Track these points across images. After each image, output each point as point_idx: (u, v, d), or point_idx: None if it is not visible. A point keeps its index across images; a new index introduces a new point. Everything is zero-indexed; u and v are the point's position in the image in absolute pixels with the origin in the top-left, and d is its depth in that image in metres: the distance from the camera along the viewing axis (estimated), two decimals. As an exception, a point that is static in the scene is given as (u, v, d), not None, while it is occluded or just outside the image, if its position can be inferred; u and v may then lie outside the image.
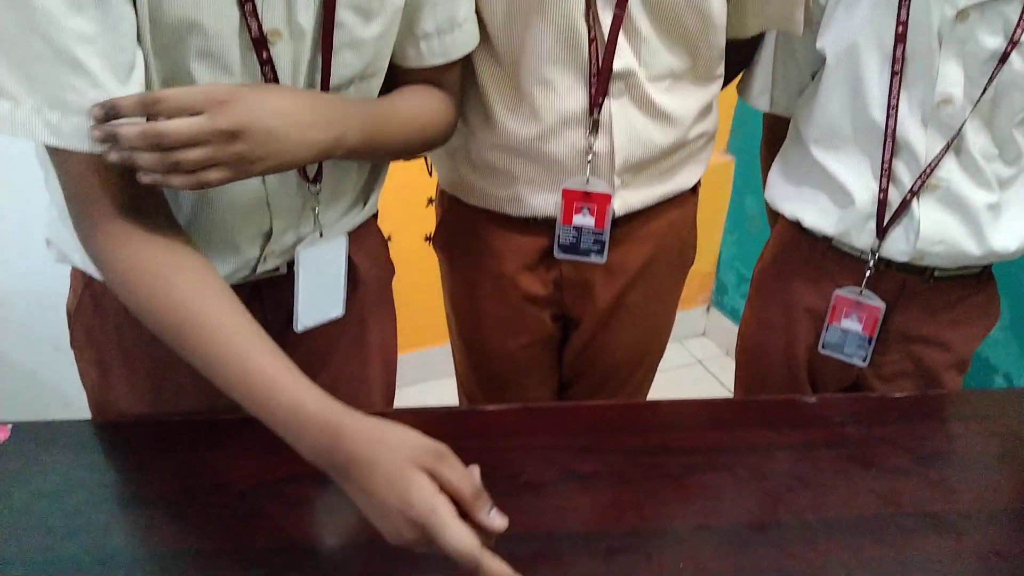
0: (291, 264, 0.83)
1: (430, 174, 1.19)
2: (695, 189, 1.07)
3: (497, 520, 0.54)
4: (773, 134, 1.11)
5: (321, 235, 0.82)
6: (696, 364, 2.46)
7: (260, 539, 0.70)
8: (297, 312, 0.83)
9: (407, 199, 1.60)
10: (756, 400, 0.94)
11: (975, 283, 1.01)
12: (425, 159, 1.22)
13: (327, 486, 0.76)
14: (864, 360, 1.02)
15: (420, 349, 2.10)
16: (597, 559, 0.69)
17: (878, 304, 0.99)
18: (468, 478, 0.54)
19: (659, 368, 1.21)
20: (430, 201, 1.15)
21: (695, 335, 2.59)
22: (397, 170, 0.93)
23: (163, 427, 0.83)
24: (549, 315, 1.07)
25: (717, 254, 2.45)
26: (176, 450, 0.80)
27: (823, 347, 1.04)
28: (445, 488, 0.53)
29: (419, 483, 0.53)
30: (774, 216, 1.12)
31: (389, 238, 0.99)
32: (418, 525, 0.52)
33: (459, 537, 0.51)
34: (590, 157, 0.91)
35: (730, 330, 1.14)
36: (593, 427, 0.86)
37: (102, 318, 0.82)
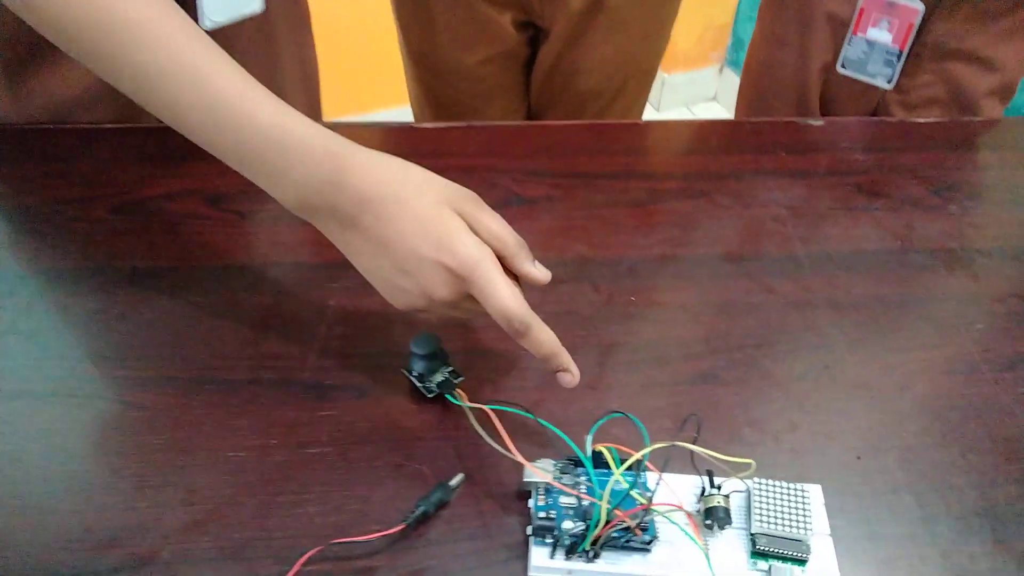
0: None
1: None
2: None
3: (542, 271, 0.47)
4: None
5: None
6: (703, 130, 2.28)
7: (134, 258, 0.60)
8: (202, 2, 0.66)
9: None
10: (750, 121, 0.78)
11: (1041, -17, 0.81)
12: None
13: (218, 203, 0.64)
14: (889, 81, 0.85)
15: (388, 108, 1.93)
16: (533, 288, 0.58)
17: (916, 6, 0.79)
18: (508, 227, 0.46)
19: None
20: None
21: (705, 99, 2.37)
22: None
23: (24, 134, 0.70)
24: (511, 21, 0.88)
25: (736, 1, 2.17)
26: (39, 159, 0.68)
27: (843, 66, 0.87)
28: (484, 238, 0.45)
29: (461, 228, 0.44)
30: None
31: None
32: (460, 278, 0.43)
33: (512, 295, 0.43)
34: None
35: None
36: (547, 149, 0.73)
37: None
